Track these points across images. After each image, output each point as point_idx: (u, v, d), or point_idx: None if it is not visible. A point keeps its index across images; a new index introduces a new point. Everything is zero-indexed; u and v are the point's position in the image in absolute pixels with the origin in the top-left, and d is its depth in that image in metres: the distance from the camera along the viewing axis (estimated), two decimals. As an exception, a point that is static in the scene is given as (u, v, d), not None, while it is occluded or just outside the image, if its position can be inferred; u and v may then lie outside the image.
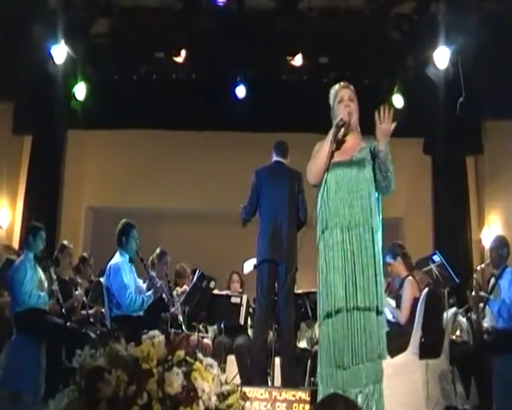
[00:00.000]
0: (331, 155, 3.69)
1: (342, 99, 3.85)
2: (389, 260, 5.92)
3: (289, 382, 5.36)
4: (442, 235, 9.24)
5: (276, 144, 6.00)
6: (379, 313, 3.58)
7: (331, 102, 3.93)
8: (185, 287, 6.91)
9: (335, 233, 3.64)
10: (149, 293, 6.00)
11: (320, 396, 3.61)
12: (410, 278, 5.84)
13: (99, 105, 8.98)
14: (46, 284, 6.12)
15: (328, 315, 3.60)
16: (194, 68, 9.24)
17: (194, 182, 9.75)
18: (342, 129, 3.75)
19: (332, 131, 3.71)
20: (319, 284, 3.69)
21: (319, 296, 3.69)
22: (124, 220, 6.11)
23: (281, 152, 5.93)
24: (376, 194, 3.76)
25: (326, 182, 3.71)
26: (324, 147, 3.72)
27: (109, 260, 6.09)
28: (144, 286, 6.13)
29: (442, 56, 7.79)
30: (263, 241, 5.60)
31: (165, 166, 9.87)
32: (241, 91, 9.21)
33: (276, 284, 5.59)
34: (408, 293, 5.72)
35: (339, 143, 3.75)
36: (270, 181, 5.70)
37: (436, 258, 6.22)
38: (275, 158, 5.92)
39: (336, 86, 3.96)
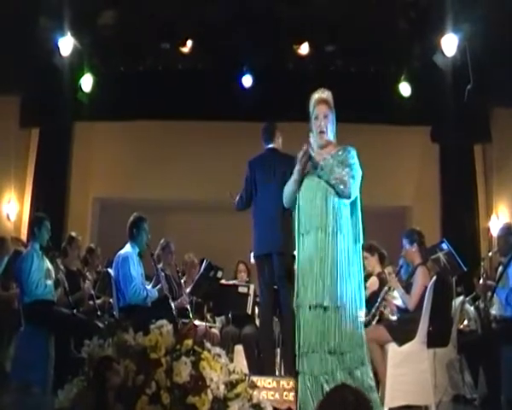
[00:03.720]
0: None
1: (317, 117, 4.13)
2: (406, 245, 5.88)
3: (291, 370, 5.38)
4: (450, 223, 9.19)
5: (264, 129, 5.92)
6: (338, 309, 3.86)
7: (310, 110, 4.20)
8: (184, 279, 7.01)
9: (300, 239, 4.03)
10: (154, 290, 6.08)
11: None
12: (423, 266, 5.79)
13: (105, 96, 8.98)
14: (53, 274, 6.15)
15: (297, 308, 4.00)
16: (200, 58, 9.19)
17: (201, 172, 9.76)
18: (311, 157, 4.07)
19: (297, 168, 4.08)
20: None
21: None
22: (135, 213, 6.22)
23: (269, 136, 5.86)
24: (339, 201, 4.00)
25: (298, 193, 4.09)
26: (293, 178, 4.15)
27: (117, 251, 6.15)
28: (150, 286, 6.19)
29: (450, 43, 7.71)
30: (255, 235, 5.65)
31: (172, 157, 9.88)
32: (247, 81, 9.17)
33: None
34: (419, 280, 5.66)
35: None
36: (262, 171, 5.66)
37: (444, 246, 6.22)
38: (266, 146, 5.87)
39: (314, 97, 4.19)
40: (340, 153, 4.02)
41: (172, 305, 6.23)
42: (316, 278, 3.89)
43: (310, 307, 3.91)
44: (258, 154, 5.94)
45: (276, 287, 5.63)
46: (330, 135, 4.14)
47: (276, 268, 5.48)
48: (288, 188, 4.22)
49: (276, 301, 5.65)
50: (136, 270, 6.01)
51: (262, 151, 5.94)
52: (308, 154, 4.04)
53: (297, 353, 3.96)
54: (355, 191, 3.99)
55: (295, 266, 4.09)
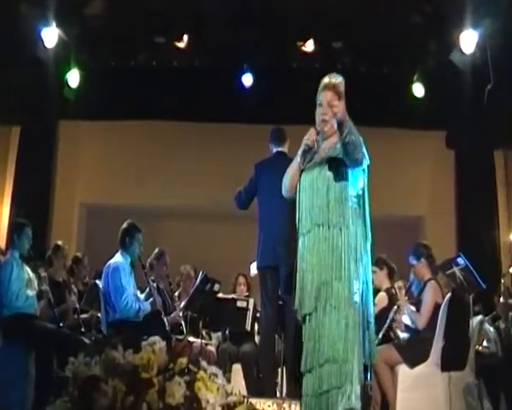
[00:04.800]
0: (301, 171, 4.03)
1: (321, 104, 4.05)
2: (412, 261, 5.89)
3: (293, 392, 5.37)
4: (467, 236, 9.18)
5: (273, 132, 5.99)
6: (339, 311, 3.76)
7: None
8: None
9: (303, 236, 3.95)
10: (147, 303, 6.07)
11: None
12: (432, 281, 5.80)
13: (94, 94, 8.95)
14: (36, 284, 6.12)
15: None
16: (197, 55, 9.20)
17: (196, 178, 9.76)
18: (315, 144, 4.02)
19: (300, 152, 4.01)
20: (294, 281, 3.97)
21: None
22: (130, 221, 6.26)
23: (279, 139, 5.92)
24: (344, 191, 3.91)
25: (298, 188, 4.03)
26: (294, 164, 4.09)
27: (106, 261, 6.15)
28: (142, 296, 6.20)
29: (468, 40, 7.70)
30: (260, 244, 5.69)
31: (166, 161, 9.89)
32: (247, 80, 9.21)
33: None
34: (429, 297, 5.70)
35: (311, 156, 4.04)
36: (269, 176, 5.66)
37: (460, 261, 6.16)
38: (274, 149, 5.93)
39: (323, 82, 4.13)
40: None
41: (166, 320, 6.23)
42: (319, 281, 3.80)
43: (309, 315, 3.84)
44: (265, 157, 5.98)
45: (280, 302, 5.64)
46: (334, 124, 4.02)
47: (283, 282, 5.47)
48: (289, 172, 4.17)
49: (279, 317, 5.65)
50: (128, 281, 6.01)
51: (269, 155, 5.98)
52: (310, 149, 4.00)
53: (303, 369, 3.86)
54: (365, 160, 3.93)
55: (297, 270, 3.98)
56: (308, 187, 3.97)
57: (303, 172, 4.00)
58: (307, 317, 3.85)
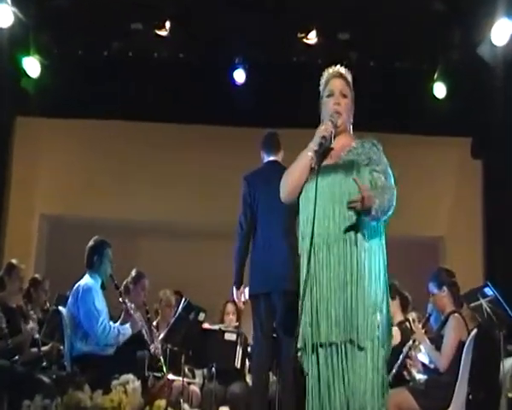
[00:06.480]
0: (311, 170, 3.80)
1: (332, 93, 3.90)
2: (433, 289, 5.84)
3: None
4: (496, 261, 9.16)
5: (265, 139, 6.05)
6: (361, 348, 3.57)
7: (321, 90, 3.99)
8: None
9: (314, 255, 3.70)
10: (126, 326, 6.08)
11: None
12: (456, 315, 5.74)
13: (58, 86, 8.93)
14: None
15: (310, 350, 3.68)
16: (181, 45, 9.23)
17: (177, 188, 9.78)
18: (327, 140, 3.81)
19: (312, 146, 3.77)
20: (299, 310, 3.72)
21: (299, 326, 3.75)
22: (97, 237, 6.34)
23: (272, 147, 5.97)
24: None
25: (307, 191, 3.79)
26: (302, 160, 3.82)
27: (69, 285, 6.17)
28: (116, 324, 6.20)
29: (501, 31, 7.67)
30: (254, 268, 5.72)
31: (142, 168, 9.91)
32: (239, 76, 9.25)
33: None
34: (452, 333, 5.62)
35: (323, 154, 3.83)
36: (263, 190, 5.71)
37: (488, 291, 6.12)
38: (266, 158, 5.99)
39: (328, 72, 4.01)
40: (366, 145, 3.78)
41: (152, 347, 6.26)
42: (336, 311, 3.60)
43: (325, 346, 3.63)
44: (256, 168, 6.00)
45: (275, 335, 5.63)
46: (348, 121, 3.92)
47: (279, 311, 5.47)
48: (295, 170, 3.92)
49: (274, 353, 5.64)
50: (102, 304, 6.05)
51: (261, 165, 6.00)
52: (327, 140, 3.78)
53: None
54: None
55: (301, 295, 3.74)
56: (328, 192, 3.73)
57: (313, 174, 3.77)
58: (319, 355, 3.65)
